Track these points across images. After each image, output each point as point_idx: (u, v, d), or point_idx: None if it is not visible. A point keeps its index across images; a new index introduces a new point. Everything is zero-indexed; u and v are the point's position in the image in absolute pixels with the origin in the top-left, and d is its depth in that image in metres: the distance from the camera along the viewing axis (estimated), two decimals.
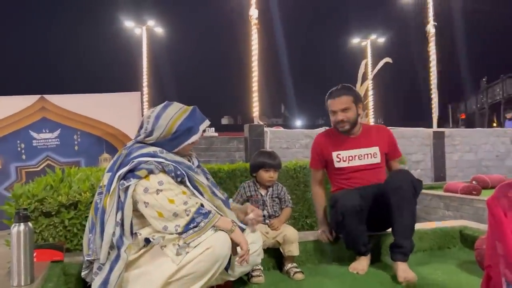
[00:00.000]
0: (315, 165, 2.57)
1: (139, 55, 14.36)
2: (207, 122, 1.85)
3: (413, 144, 8.08)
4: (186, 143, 1.77)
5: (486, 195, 5.51)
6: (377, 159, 2.41)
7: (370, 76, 10.04)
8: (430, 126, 8.98)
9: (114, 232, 1.62)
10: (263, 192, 2.36)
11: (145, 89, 11.87)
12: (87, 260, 1.69)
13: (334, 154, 2.45)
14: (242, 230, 1.74)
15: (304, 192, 4.40)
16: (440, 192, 5.67)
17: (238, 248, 1.70)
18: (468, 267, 2.24)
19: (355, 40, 19.32)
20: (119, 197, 1.64)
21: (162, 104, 1.82)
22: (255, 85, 7.58)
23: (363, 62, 8.56)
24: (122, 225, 1.63)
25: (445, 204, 5.30)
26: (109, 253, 1.64)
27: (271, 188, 2.38)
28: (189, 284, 1.58)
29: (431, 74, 9.15)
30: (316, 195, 2.61)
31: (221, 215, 1.73)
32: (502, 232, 1.41)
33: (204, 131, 1.86)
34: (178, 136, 1.75)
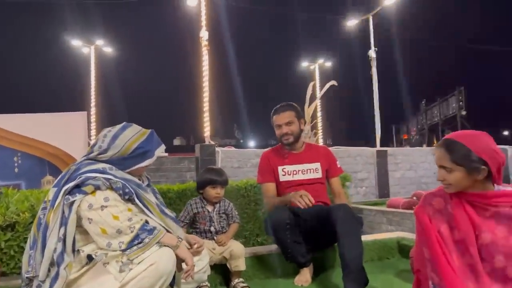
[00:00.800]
0: (266, 178, 2.61)
1: (87, 75, 14.00)
2: (163, 147, 1.88)
3: (358, 162, 8.45)
4: (139, 165, 1.78)
5: None
6: (319, 174, 2.55)
7: (317, 97, 10.46)
8: (373, 145, 9.45)
9: (55, 249, 1.58)
10: (210, 208, 2.39)
11: (93, 109, 11.54)
12: (26, 277, 1.63)
13: (280, 168, 2.58)
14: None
15: (254, 211, 4.45)
16: (383, 208, 5.96)
17: (184, 264, 1.71)
18: (404, 275, 2.39)
19: (304, 64, 20.06)
20: (63, 212, 1.61)
21: (121, 125, 1.83)
22: (206, 106, 7.64)
23: (310, 85, 8.92)
24: (64, 241, 1.60)
25: (388, 219, 5.57)
26: (49, 270, 1.59)
27: (218, 205, 2.41)
28: None
29: (373, 96, 9.67)
30: (273, 199, 2.56)
31: (168, 231, 1.74)
32: (428, 238, 1.55)
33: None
34: (133, 157, 1.76)
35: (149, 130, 1.86)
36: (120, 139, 1.76)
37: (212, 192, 2.37)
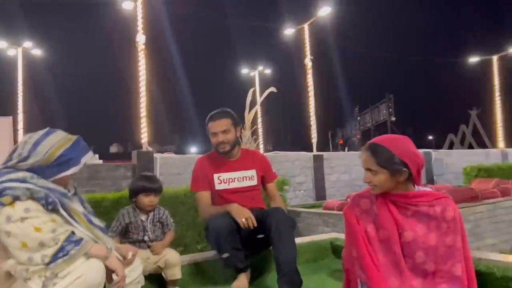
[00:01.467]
0: (202, 186, 2.54)
1: (14, 78, 13.04)
2: (90, 154, 1.77)
3: (296, 167, 8.68)
4: (63, 174, 1.67)
5: None
6: (254, 181, 2.56)
7: (257, 104, 10.61)
8: (310, 150, 9.76)
9: None
10: (143, 217, 2.32)
11: (20, 115, 10.75)
12: None
13: (216, 176, 2.53)
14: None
15: (194, 218, 4.41)
16: (319, 210, 6.15)
17: (114, 275, 1.65)
18: (337, 275, 2.48)
19: (245, 71, 20.26)
20: None
21: (44, 131, 1.71)
22: (143, 111, 7.44)
23: (250, 91, 9.04)
24: None
25: (324, 220, 5.77)
26: None
27: (152, 213, 2.35)
28: None
29: (309, 103, 10.00)
30: (208, 208, 2.51)
31: (96, 242, 1.66)
32: (355, 238, 1.63)
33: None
34: (56, 165, 1.65)
35: (75, 136, 1.76)
36: (42, 145, 1.65)
37: (146, 200, 2.29)
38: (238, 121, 2.59)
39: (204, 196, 2.54)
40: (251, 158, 2.64)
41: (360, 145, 13.18)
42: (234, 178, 2.53)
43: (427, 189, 1.71)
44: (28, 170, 1.63)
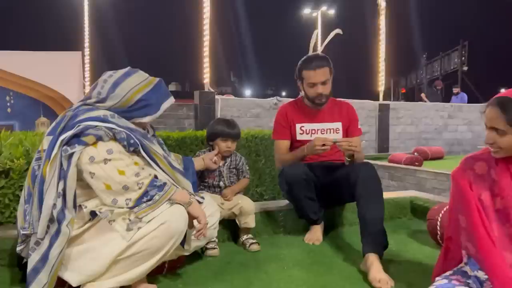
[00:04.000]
0: (282, 135, 2.40)
1: (80, 14, 13.30)
2: (171, 100, 1.66)
3: (360, 115, 8.20)
4: (141, 120, 1.59)
5: (427, 166, 5.80)
6: (339, 135, 2.32)
7: (319, 48, 10.05)
8: (374, 99, 9.22)
9: (55, 204, 1.44)
10: (220, 162, 2.24)
11: (87, 50, 11.03)
12: (23, 234, 1.49)
13: (298, 126, 2.35)
14: (200, 203, 1.62)
15: (255, 162, 4.35)
16: (385, 163, 5.89)
17: (195, 222, 1.58)
18: (419, 237, 2.31)
19: (306, 11, 19.26)
20: (61, 165, 1.44)
21: (124, 70, 1.60)
22: (206, 50, 7.28)
23: (315, 32, 8.54)
24: (64, 196, 1.45)
25: (390, 174, 5.51)
26: (48, 227, 1.46)
27: (228, 159, 2.25)
28: (140, 262, 1.45)
29: (380, 48, 9.31)
30: (284, 155, 2.40)
31: (178, 188, 1.59)
32: (467, 205, 1.41)
33: None
34: (136, 110, 1.56)
35: (157, 79, 1.63)
36: (122, 87, 1.54)
37: (223, 145, 2.19)
38: (332, 67, 2.32)
39: (283, 144, 2.41)
40: (338, 110, 2.42)
41: (441, 95, 12.19)
42: (317, 130, 2.32)
43: None
44: (107, 110, 1.55)
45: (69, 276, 1.47)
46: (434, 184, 4.70)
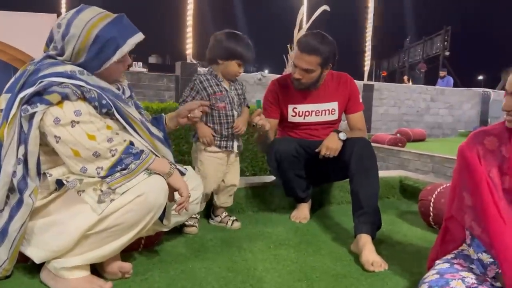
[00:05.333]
0: (270, 113, 2.17)
1: None
2: (139, 36, 1.40)
3: None
4: (108, 62, 1.33)
5: (410, 147, 5.78)
6: (335, 116, 2.18)
7: (306, 24, 9.83)
8: (357, 79, 9.12)
9: (15, 172, 1.26)
10: (227, 86, 1.91)
11: (64, 12, 10.46)
12: None
13: (290, 107, 2.16)
14: (182, 174, 1.45)
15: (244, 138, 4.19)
16: None
17: (176, 194, 1.43)
18: (409, 217, 2.22)
19: None
20: (21, 126, 1.25)
21: (75, 8, 1.35)
22: (189, 20, 6.97)
23: (302, 8, 8.30)
24: (26, 163, 1.27)
25: None
26: (8, 197, 1.29)
27: (234, 83, 1.95)
28: (113, 238, 1.29)
29: (367, 27, 9.17)
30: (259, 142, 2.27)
31: (157, 156, 1.42)
32: (477, 182, 1.29)
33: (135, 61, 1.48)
34: (97, 51, 1.31)
35: (117, 14, 1.38)
36: (75, 25, 1.30)
37: (236, 69, 1.86)
38: (331, 58, 2.03)
39: (270, 123, 2.10)
40: (335, 86, 2.18)
41: (424, 78, 12.16)
42: (312, 112, 2.15)
43: None
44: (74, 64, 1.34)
45: (32, 252, 1.31)
46: (417, 166, 4.67)
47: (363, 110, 2.25)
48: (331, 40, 2.04)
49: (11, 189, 1.28)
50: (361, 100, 2.26)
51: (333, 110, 2.17)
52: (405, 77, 11.80)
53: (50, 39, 1.37)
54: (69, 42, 1.31)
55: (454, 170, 1.42)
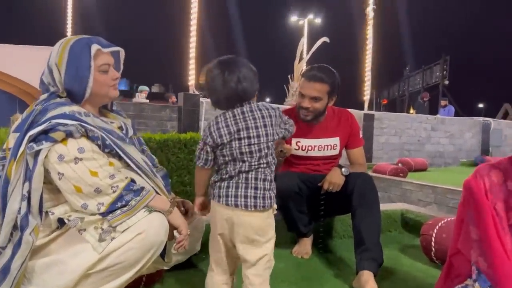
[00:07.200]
0: None
1: (64, 11, 12.99)
2: (117, 48, 1.47)
3: None
4: (91, 69, 1.35)
5: (411, 177, 5.76)
6: (336, 151, 2.21)
7: (306, 55, 10.01)
8: (358, 108, 9.19)
9: (19, 209, 1.27)
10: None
11: None
12: None
13: (294, 140, 2.17)
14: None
15: None
16: (369, 173, 5.81)
17: (175, 232, 1.43)
18: (411, 252, 2.20)
19: (293, 18, 19.29)
20: (27, 164, 1.28)
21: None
22: (192, 52, 7.13)
23: (302, 39, 8.48)
24: (29, 199, 1.28)
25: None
26: (11, 235, 1.29)
27: None
28: (114, 276, 1.29)
29: (366, 57, 9.33)
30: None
31: (158, 193, 1.44)
32: (483, 216, 1.30)
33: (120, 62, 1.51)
34: (75, 61, 1.35)
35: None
36: (53, 50, 1.40)
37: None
38: (336, 89, 2.09)
39: None
40: (337, 122, 2.22)
41: (428, 107, 12.25)
42: (314, 146, 2.17)
43: None
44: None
45: None
46: (419, 196, 4.64)
47: (363, 145, 2.28)
48: (335, 72, 2.11)
49: (15, 226, 1.29)
50: (361, 136, 2.29)
51: (335, 145, 2.19)
52: (384, 101, 11.95)
53: (42, 82, 1.43)
54: (51, 67, 1.38)
55: (460, 204, 1.43)
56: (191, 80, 7.13)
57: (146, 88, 9.12)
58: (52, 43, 1.53)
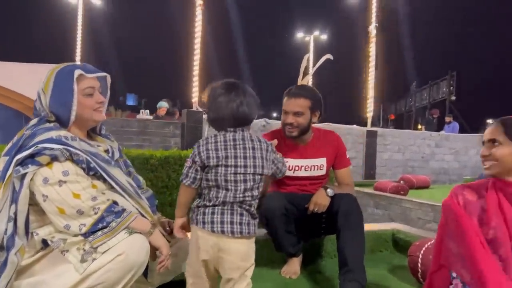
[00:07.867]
0: None
1: (73, 28, 13.33)
2: (102, 73, 1.54)
3: (347, 141, 8.25)
4: (74, 93, 1.42)
5: (412, 194, 5.75)
6: (323, 171, 2.24)
7: (311, 71, 10.13)
8: (363, 124, 9.24)
9: (6, 230, 1.33)
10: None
11: (78, 60, 10.96)
12: None
13: None
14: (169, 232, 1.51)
15: None
16: (370, 190, 5.80)
17: (158, 252, 1.47)
18: (400, 273, 2.21)
19: (299, 35, 19.49)
20: (14, 186, 1.34)
21: None
22: (196, 69, 7.25)
23: (306, 56, 8.58)
24: (15, 221, 1.34)
25: (375, 202, 5.43)
26: None
27: None
28: None
29: (369, 74, 9.40)
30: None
31: (141, 214, 1.48)
32: (465, 230, 1.36)
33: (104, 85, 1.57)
34: (58, 94, 1.44)
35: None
36: (40, 84, 1.47)
37: None
38: (318, 105, 2.16)
39: None
40: (323, 143, 2.26)
41: (437, 123, 12.26)
42: (301, 167, 2.21)
43: None
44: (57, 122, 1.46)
45: None
46: (419, 214, 4.63)
47: (350, 166, 2.31)
48: (316, 90, 2.19)
49: (1, 247, 1.34)
50: (348, 156, 2.32)
51: (321, 166, 2.23)
52: (392, 116, 12.01)
53: (34, 107, 1.50)
54: (39, 93, 1.45)
55: (439, 226, 1.48)
56: (195, 97, 7.24)
57: (165, 104, 8.83)
58: (59, 61, 1.63)
